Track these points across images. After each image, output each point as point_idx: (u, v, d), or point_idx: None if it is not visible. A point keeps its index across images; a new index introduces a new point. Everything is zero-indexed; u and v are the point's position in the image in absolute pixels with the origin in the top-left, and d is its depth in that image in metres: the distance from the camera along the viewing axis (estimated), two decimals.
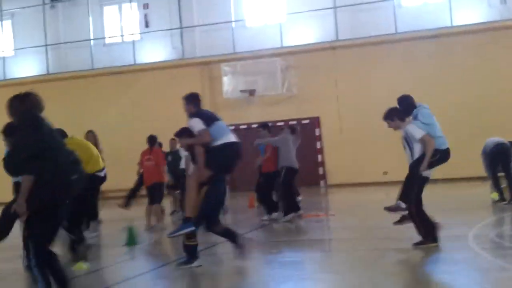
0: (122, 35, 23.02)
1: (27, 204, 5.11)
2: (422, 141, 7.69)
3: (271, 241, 10.08)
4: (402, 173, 8.10)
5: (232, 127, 20.51)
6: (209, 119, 7.42)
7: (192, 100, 7.66)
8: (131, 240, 9.72)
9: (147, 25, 22.18)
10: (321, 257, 8.45)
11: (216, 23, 21.46)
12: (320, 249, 9.08)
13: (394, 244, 8.43)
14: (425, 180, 7.84)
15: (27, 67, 23.40)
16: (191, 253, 7.43)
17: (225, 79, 20.69)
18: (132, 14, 22.74)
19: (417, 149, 7.75)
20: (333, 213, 13.37)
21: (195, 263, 7.42)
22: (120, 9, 23.09)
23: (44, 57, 23.11)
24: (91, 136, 11.29)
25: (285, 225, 11.35)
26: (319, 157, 20.53)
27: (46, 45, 23.05)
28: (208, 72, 21.55)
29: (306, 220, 11.68)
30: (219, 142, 7.29)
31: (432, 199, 8.71)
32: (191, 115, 7.49)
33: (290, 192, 11.99)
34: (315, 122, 20.50)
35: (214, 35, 21.68)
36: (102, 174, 9.15)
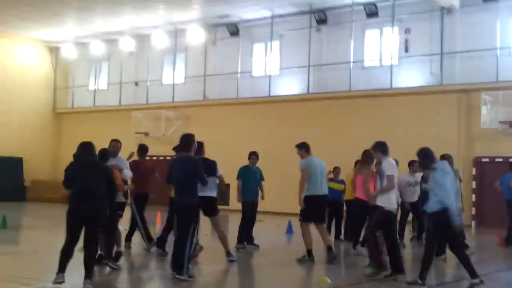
0: (380, 59, 23.43)
1: None
2: (387, 177, 8.81)
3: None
4: None
5: (486, 159, 19.78)
6: None
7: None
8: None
9: (406, 50, 22.24)
10: None
11: (480, 50, 20.71)
12: None
13: None
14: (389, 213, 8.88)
15: (290, 85, 25.08)
16: None
17: (484, 108, 19.87)
18: (393, 38, 22.99)
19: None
20: None
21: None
22: (381, 33, 23.53)
23: (306, 77, 24.52)
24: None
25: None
26: None
27: (308, 66, 24.45)
28: (466, 100, 20.87)
29: None
30: None
31: None
32: None
33: None
34: None
35: (475, 62, 20.92)
36: None
